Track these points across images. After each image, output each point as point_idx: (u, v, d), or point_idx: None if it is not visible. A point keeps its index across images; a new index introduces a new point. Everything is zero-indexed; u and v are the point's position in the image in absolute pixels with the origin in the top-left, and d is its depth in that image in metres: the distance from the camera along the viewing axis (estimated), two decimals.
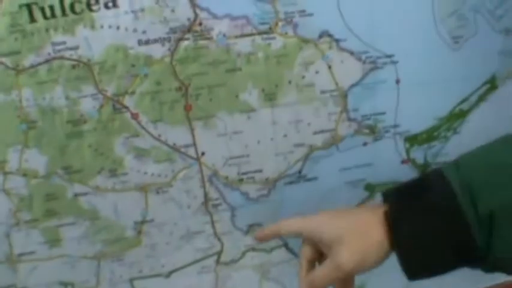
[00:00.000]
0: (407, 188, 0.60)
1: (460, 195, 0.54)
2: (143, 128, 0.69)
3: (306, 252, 0.63)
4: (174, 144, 0.71)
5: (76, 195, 0.72)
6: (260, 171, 0.74)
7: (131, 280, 0.79)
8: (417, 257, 0.55)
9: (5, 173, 0.70)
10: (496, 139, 0.59)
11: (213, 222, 0.76)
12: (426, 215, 0.55)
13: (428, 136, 0.75)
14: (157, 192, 0.73)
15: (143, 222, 0.75)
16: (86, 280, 0.78)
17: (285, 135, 0.73)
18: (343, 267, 0.57)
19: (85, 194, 0.73)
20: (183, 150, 0.71)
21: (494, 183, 0.54)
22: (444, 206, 0.55)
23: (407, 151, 0.76)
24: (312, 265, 0.62)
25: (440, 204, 0.55)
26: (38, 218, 0.73)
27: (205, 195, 0.73)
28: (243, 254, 0.78)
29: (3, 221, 0.72)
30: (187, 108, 0.69)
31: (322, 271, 0.59)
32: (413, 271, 0.56)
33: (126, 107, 0.67)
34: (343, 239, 0.57)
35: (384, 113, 0.75)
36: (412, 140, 0.76)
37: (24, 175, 0.71)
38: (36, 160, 0.70)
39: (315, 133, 0.74)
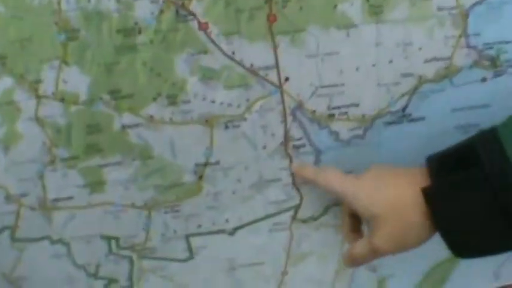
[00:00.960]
0: (451, 156, 0.53)
1: None
2: (213, 42, 0.57)
3: (345, 206, 0.61)
4: (252, 65, 0.58)
5: (124, 127, 0.59)
6: (356, 105, 0.61)
7: (187, 236, 0.67)
8: (465, 239, 0.51)
9: (39, 97, 0.57)
10: None
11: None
12: (473, 190, 0.49)
13: None
14: (226, 127, 0.60)
15: (206, 164, 0.63)
16: (133, 234, 0.65)
17: (391, 61, 0.59)
18: (380, 251, 0.55)
19: (136, 126, 0.60)
20: (262, 73, 0.58)
21: None
22: (496, 177, 0.48)
23: None
24: (355, 220, 0.61)
25: (492, 175, 0.48)
26: (78, 155, 0.61)
27: (286, 133, 0.61)
28: (326, 210, 0.66)
29: (36, 158, 0.59)
30: (271, 19, 0.56)
31: (360, 250, 0.57)
32: (461, 253, 0.53)
33: (193, 14, 0.55)
34: (379, 220, 0.54)
35: (509, 42, 0.60)
36: None
37: (62, 100, 0.59)
38: (77, 81, 0.58)
39: (427, 61, 0.60)
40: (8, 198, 0.63)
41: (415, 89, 0.60)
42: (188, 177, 0.63)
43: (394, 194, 0.54)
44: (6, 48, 0.56)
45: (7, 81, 0.57)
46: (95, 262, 0.67)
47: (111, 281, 0.68)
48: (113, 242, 0.66)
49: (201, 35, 0.56)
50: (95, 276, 0.67)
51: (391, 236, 0.54)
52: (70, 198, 0.63)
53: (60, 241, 0.66)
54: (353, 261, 0.59)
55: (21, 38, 0.56)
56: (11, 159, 0.61)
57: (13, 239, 0.65)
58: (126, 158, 0.61)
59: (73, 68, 0.57)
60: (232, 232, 0.67)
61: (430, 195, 0.51)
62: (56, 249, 0.66)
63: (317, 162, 0.63)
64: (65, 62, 0.57)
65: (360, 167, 0.62)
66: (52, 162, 0.61)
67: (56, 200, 0.63)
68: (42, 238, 0.66)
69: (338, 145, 0.62)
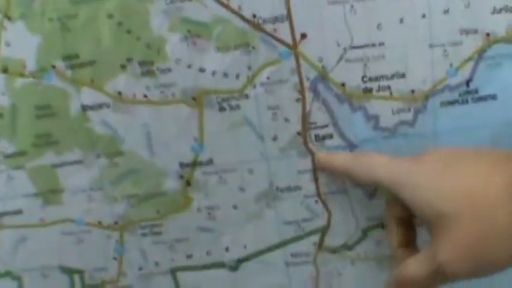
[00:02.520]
0: None
1: None
2: None
3: (392, 207, 0.43)
4: (254, 16, 0.42)
5: (84, 108, 0.45)
6: (401, 75, 0.44)
7: (174, 271, 0.51)
8: None
9: None
10: None
11: (315, 171, 0.46)
12: None
13: None
14: (222, 108, 0.45)
15: (195, 164, 0.46)
16: (101, 267, 0.50)
17: (446, 11, 0.42)
18: (448, 272, 0.37)
19: (99, 107, 0.46)
20: (268, 28, 0.42)
21: None
22: None
23: None
24: (405, 225, 0.43)
25: None
26: (25, 149, 0.47)
27: (304, 117, 0.45)
28: (365, 233, 0.48)
29: None
30: None
31: (416, 271, 0.39)
32: None
33: None
34: (449, 222, 0.36)
35: None
36: None
37: (5, 71, 0.45)
38: (23, 43, 0.44)
39: (496, 11, 0.42)
40: None
41: (481, 53, 0.43)
42: (171, 184, 0.46)
43: (472, 183, 0.37)
44: None
45: None
46: None
47: None
48: (76, 278, 0.49)
49: None
50: None
51: (466, 247, 0.36)
52: (18, 212, 0.48)
53: (8, 274, 0.49)
54: (402, 284, 0.40)
55: None
56: None
57: None
58: (88, 154, 0.46)
59: (18, 24, 0.44)
60: (235, 266, 0.50)
61: None
62: (3, 285, 0.49)
63: None
64: (8, 17, 0.42)
65: None
66: None
67: (1, 214, 0.47)
68: None
69: (379, 136, 0.44)
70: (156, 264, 0.50)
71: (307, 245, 0.48)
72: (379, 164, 0.41)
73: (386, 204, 0.44)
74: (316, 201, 0.47)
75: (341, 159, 0.44)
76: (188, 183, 0.47)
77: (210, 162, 0.46)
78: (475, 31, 0.42)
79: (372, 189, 0.46)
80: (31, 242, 0.50)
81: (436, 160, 0.39)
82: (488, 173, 0.37)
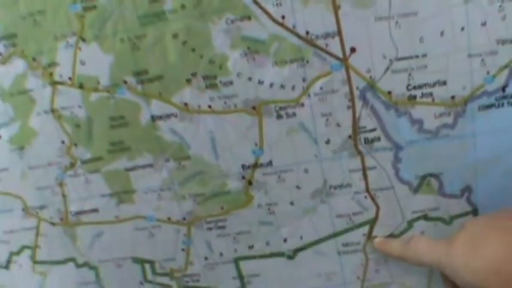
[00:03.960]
0: None
1: None
2: (257, 4, 0.46)
3: (447, 282, 0.48)
4: (308, 33, 0.46)
5: (154, 118, 0.47)
6: (443, 83, 0.47)
7: (237, 260, 0.55)
8: None
9: (54, 84, 0.47)
10: None
11: (364, 170, 0.50)
12: None
13: None
14: (279, 116, 0.48)
15: (255, 166, 0.51)
16: (170, 257, 0.55)
17: (484, 24, 0.45)
18: None
19: (167, 117, 0.50)
20: (321, 43, 0.46)
21: None
22: None
23: None
24: None
25: None
26: (101, 155, 0.52)
27: (355, 122, 0.49)
28: (410, 224, 0.52)
29: (52, 160, 0.49)
30: None
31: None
32: None
33: None
34: None
35: None
36: None
37: (80, 86, 0.50)
38: (97, 61, 0.48)
39: None
40: (26, 211, 0.52)
41: None
42: (234, 183, 0.50)
43: (500, 254, 0.40)
44: (16, 25, 0.48)
45: (19, 65, 0.49)
46: None
47: None
48: (147, 267, 0.55)
49: None
50: None
51: None
52: (95, 210, 0.53)
53: (86, 264, 0.55)
54: None
55: (32, 11, 0.46)
56: (27, 163, 0.51)
57: (34, 261, 0.54)
58: (158, 158, 0.50)
59: (92, 45, 0.48)
60: (292, 255, 0.54)
61: None
62: (82, 274, 0.54)
63: (396, 161, 0.49)
64: (82, 39, 0.46)
65: (452, 168, 0.47)
66: (72, 165, 0.51)
67: (79, 213, 0.53)
68: (66, 260, 0.54)
69: (422, 138, 0.47)
70: (221, 254, 0.54)
71: (357, 236, 0.52)
72: (424, 251, 0.46)
73: (443, 279, 0.50)
74: (366, 197, 0.51)
75: (393, 246, 0.50)
76: (250, 182, 0.51)
77: (269, 164, 0.50)
78: (511, 41, 0.45)
79: (416, 185, 0.50)
80: (107, 237, 0.55)
81: (465, 238, 0.43)
82: None
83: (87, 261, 0.56)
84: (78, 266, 0.56)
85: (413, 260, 0.48)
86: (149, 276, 0.56)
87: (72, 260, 0.56)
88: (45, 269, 0.57)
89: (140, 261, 0.55)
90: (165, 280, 0.56)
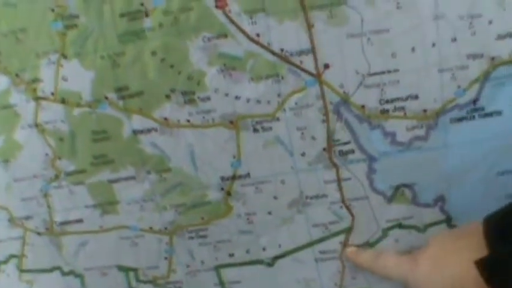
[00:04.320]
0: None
1: None
2: (233, 23, 0.47)
3: None
4: (282, 50, 0.47)
5: (135, 132, 0.48)
6: (414, 97, 0.48)
7: (218, 268, 0.56)
8: None
9: (37, 99, 0.48)
10: None
11: (339, 181, 0.52)
12: None
13: None
14: (255, 130, 0.50)
15: (234, 177, 0.52)
16: (153, 265, 0.55)
17: (454, 39, 0.46)
18: None
19: (148, 131, 0.51)
20: (295, 60, 0.48)
21: None
22: None
23: None
24: None
25: None
26: (84, 168, 0.53)
27: (329, 136, 0.50)
28: (385, 232, 0.54)
29: (38, 173, 0.50)
30: None
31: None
32: None
33: None
34: None
35: None
36: None
37: (63, 101, 0.51)
38: (79, 77, 0.50)
39: (500, 37, 0.46)
40: (12, 221, 0.54)
41: (486, 75, 0.47)
42: (214, 194, 0.52)
43: (455, 274, 0.44)
44: None
45: (3, 81, 0.50)
46: None
47: None
48: (131, 275, 0.56)
49: (218, 14, 0.47)
50: None
51: None
52: (79, 221, 0.55)
53: (72, 273, 0.56)
54: None
55: (14, 29, 0.47)
56: (12, 175, 0.52)
57: (21, 269, 0.56)
58: (140, 171, 0.52)
59: (73, 62, 0.49)
60: (271, 263, 0.56)
61: (486, 269, 0.41)
62: (68, 282, 0.56)
63: (370, 172, 0.50)
64: (64, 56, 0.48)
65: (424, 179, 0.49)
66: (56, 177, 0.53)
67: (64, 223, 0.55)
68: (52, 269, 0.56)
69: (395, 150, 0.49)
70: (202, 262, 0.56)
71: (333, 244, 0.54)
72: (391, 266, 0.50)
73: None
74: (341, 207, 0.52)
75: (364, 258, 0.52)
76: (228, 193, 0.53)
77: (247, 175, 0.52)
78: (481, 56, 0.47)
79: (390, 195, 0.52)
80: (91, 246, 0.56)
81: (428, 256, 0.47)
82: (467, 262, 0.42)
83: (73, 269, 0.57)
84: (64, 274, 0.58)
85: (381, 273, 0.50)
86: (133, 283, 0.57)
87: (58, 268, 0.58)
88: (32, 278, 0.58)
89: (124, 269, 0.57)
90: (148, 287, 0.57)
